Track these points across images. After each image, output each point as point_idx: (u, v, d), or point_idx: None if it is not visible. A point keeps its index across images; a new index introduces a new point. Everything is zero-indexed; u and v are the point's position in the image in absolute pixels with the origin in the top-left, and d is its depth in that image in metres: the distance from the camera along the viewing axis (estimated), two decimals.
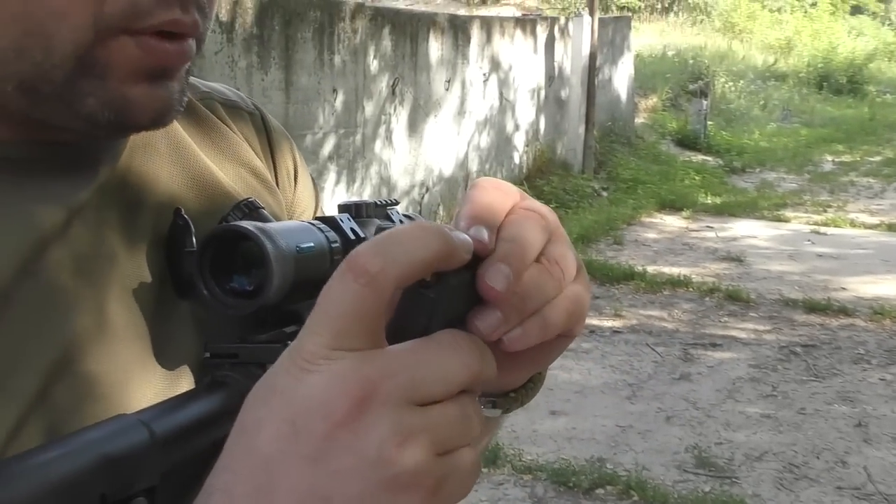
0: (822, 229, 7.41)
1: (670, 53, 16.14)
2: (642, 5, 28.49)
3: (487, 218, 0.42)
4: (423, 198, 6.61)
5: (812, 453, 3.42)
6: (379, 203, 0.58)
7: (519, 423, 3.65)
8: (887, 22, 41.80)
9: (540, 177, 8.18)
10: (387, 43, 6.06)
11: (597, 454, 3.38)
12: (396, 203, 0.60)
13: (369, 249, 0.35)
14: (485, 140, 7.56)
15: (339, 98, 5.60)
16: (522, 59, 8.05)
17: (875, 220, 7.83)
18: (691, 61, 15.17)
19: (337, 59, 5.52)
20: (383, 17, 6.08)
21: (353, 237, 0.52)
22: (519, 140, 8.15)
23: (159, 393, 0.46)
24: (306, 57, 5.18)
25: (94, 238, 0.46)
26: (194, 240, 0.48)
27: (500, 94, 7.74)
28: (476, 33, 7.24)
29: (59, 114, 0.44)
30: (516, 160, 8.12)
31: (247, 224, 0.46)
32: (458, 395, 0.37)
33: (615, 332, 4.80)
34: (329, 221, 0.52)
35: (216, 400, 0.43)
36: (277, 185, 0.63)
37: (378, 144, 6.04)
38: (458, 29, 7.02)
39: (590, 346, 4.58)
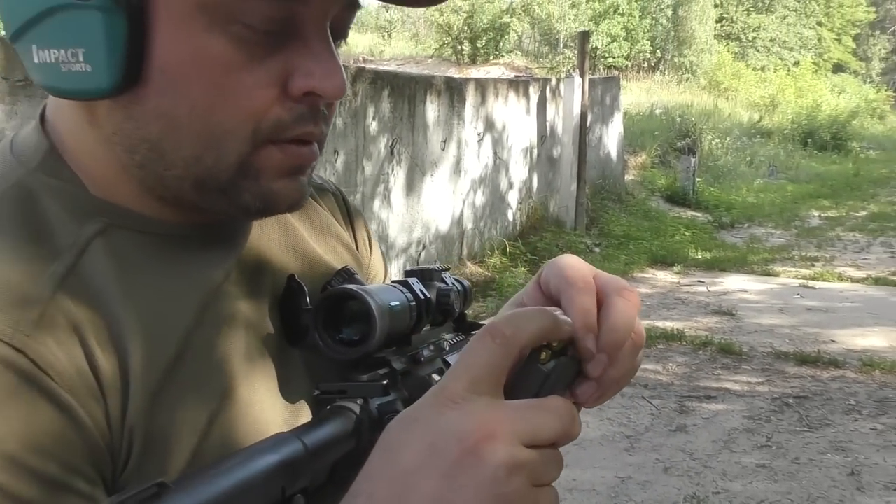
0: (811, 283, 7.57)
1: (658, 112, 16.50)
2: (629, 64, 29.11)
3: (589, 312, 0.54)
4: (419, 255, 6.74)
5: (807, 501, 3.50)
6: (436, 269, 0.72)
7: None
8: (868, 79, 42.77)
9: (533, 233, 8.35)
10: (385, 105, 6.26)
11: None
12: (448, 269, 0.74)
13: (505, 319, 0.49)
14: (480, 198, 7.74)
15: (340, 158, 5.77)
16: (515, 118, 8.28)
17: (862, 273, 7.99)
18: (678, 119, 15.52)
19: (338, 121, 5.70)
20: (382, 81, 6.29)
21: (422, 297, 0.66)
22: (513, 197, 8.34)
23: (287, 421, 0.59)
24: None
25: (236, 296, 0.59)
26: (308, 299, 0.61)
27: (495, 152, 7.94)
28: (471, 95, 7.47)
29: (219, 204, 0.57)
30: (510, 217, 8.30)
31: (354, 287, 0.60)
32: (551, 445, 0.48)
33: None
34: (404, 284, 0.66)
35: (340, 423, 0.55)
36: (359, 252, 0.76)
37: (377, 203, 6.20)
38: (453, 91, 7.24)
39: None
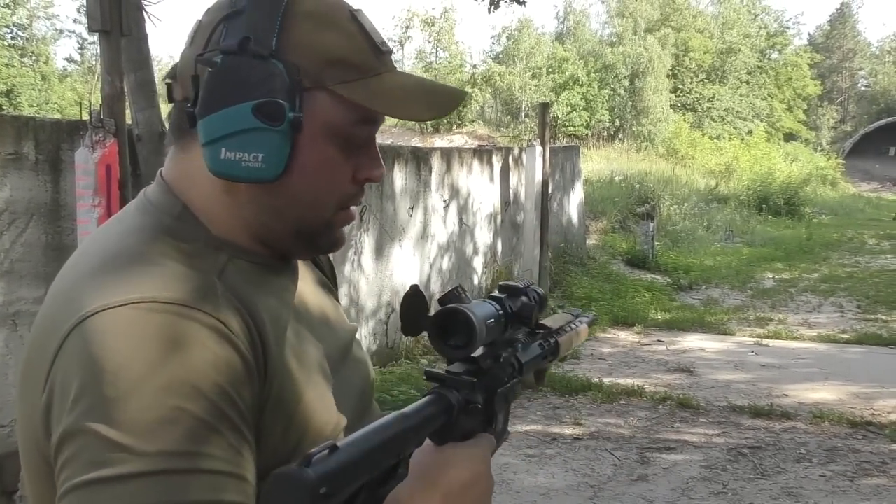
0: (765, 341, 7.88)
1: (618, 178, 17.01)
2: (589, 133, 29.93)
3: None
4: (388, 318, 6.94)
5: None
6: (520, 286, 0.95)
7: None
8: (819, 147, 44.25)
9: None
10: None
11: None
12: (532, 284, 0.98)
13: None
14: (446, 262, 7.99)
15: None
16: (480, 186, 8.60)
17: (813, 332, 8.33)
18: (637, 186, 16.01)
19: None
20: None
21: (510, 311, 0.90)
22: (478, 262, 8.60)
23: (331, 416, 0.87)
24: None
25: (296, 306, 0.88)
26: (429, 308, 0.83)
27: (460, 218, 8.23)
28: (437, 163, 7.78)
29: (302, 246, 0.88)
30: (475, 281, 8.55)
31: (462, 306, 0.81)
32: None
33: (576, 438, 5.11)
34: (497, 300, 0.90)
35: (437, 405, 0.81)
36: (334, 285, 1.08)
37: (347, 267, 6.42)
38: (420, 159, 7.55)
39: (553, 452, 4.88)
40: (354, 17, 0.84)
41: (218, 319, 0.73)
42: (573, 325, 1.20)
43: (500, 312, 0.87)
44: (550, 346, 1.09)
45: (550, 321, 1.14)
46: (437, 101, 0.87)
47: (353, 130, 0.83)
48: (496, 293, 0.92)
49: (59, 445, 0.68)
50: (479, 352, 0.86)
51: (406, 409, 0.75)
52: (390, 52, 0.87)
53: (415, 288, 0.84)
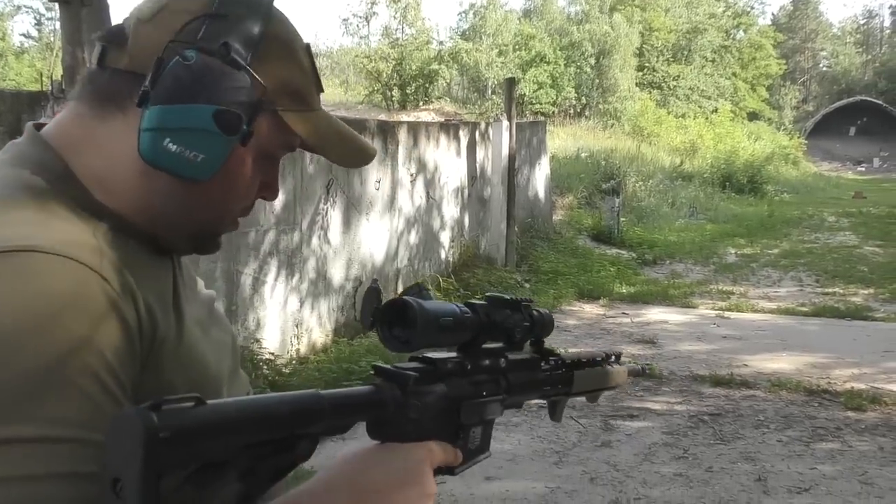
0: (727, 314, 8.03)
1: (584, 155, 17.12)
2: (556, 111, 30.00)
3: None
4: (355, 291, 6.96)
5: None
6: (513, 300, 0.90)
7: (457, 488, 3.96)
8: (782, 127, 44.81)
9: (466, 270, 8.65)
10: None
11: None
12: (532, 301, 0.94)
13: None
14: (413, 236, 8.02)
15: (280, 198, 5.97)
16: (447, 160, 8.62)
17: (773, 305, 8.51)
18: (603, 163, 16.14)
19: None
20: None
21: (483, 317, 0.85)
22: (445, 236, 8.64)
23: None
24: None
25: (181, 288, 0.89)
26: (382, 300, 0.81)
27: (427, 193, 8.25)
28: (403, 137, 7.78)
29: (190, 245, 0.90)
30: (443, 255, 8.59)
31: (411, 298, 0.78)
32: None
33: (541, 407, 5.18)
34: (471, 306, 0.85)
35: (366, 395, 0.76)
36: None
37: (315, 241, 6.42)
38: (386, 133, 7.55)
39: (519, 420, 4.95)
40: (308, 51, 0.89)
41: (102, 276, 0.71)
42: (604, 364, 1.10)
43: (467, 315, 0.82)
44: (558, 375, 1.01)
45: (575, 353, 1.07)
46: (360, 154, 0.94)
47: (276, 153, 0.88)
48: (476, 299, 0.87)
49: None
50: (440, 355, 0.83)
51: (324, 391, 0.70)
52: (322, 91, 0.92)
53: (374, 282, 0.86)
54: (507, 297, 0.88)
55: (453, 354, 0.84)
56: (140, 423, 0.55)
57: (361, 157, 0.94)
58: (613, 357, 1.13)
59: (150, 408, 0.55)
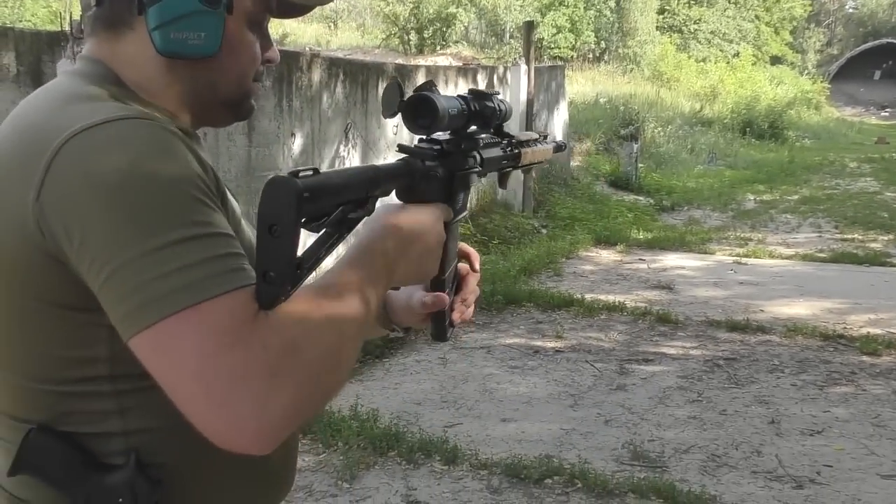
0: (744, 260, 8.02)
1: (602, 101, 16.94)
2: (575, 55, 29.58)
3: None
4: None
5: (731, 446, 3.87)
6: (488, 93, 1.12)
7: (473, 429, 4.04)
8: (805, 71, 44.00)
9: (483, 215, 8.65)
10: (339, 90, 6.50)
11: (544, 452, 3.78)
12: (497, 93, 1.16)
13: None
14: None
15: (297, 141, 6.00)
16: None
17: (791, 251, 8.48)
18: (622, 108, 15.97)
19: (295, 104, 5.93)
20: (336, 67, 6.52)
21: (473, 108, 1.07)
22: None
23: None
24: (267, 104, 5.58)
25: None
26: (404, 96, 1.00)
27: None
28: (421, 81, 7.71)
29: (230, 114, 1.05)
30: None
31: (430, 94, 0.99)
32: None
33: (557, 351, 5.24)
34: (464, 98, 1.07)
35: (401, 167, 1.01)
36: None
37: None
38: (404, 77, 7.50)
39: (535, 363, 5.01)
40: None
41: (182, 139, 0.86)
42: (538, 143, 1.36)
43: (464, 107, 1.05)
44: (512, 152, 1.25)
45: (518, 134, 1.30)
46: None
47: (259, 18, 1.00)
48: (465, 94, 1.09)
49: (100, 229, 0.78)
50: (443, 136, 1.06)
51: (376, 164, 0.96)
52: None
53: (395, 79, 1.03)
54: (487, 92, 1.12)
55: (447, 136, 1.07)
56: (294, 184, 0.77)
57: None
58: (543, 137, 1.41)
59: (293, 175, 0.78)
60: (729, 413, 4.28)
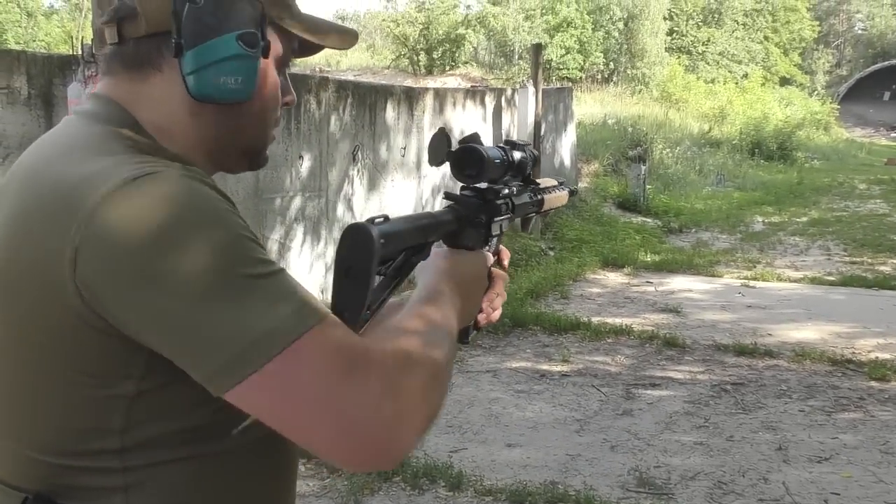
0: (752, 283, 7.99)
1: (611, 122, 16.97)
2: (584, 76, 29.67)
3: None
4: None
5: (738, 473, 3.85)
6: (520, 143, 1.25)
7: (479, 454, 4.02)
8: (814, 92, 44.02)
9: None
10: (348, 113, 6.54)
11: (549, 478, 3.76)
12: (529, 145, 1.29)
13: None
14: (438, 202, 8.02)
15: (305, 164, 6.03)
16: (472, 126, 8.59)
17: (799, 274, 8.45)
18: (630, 129, 15.99)
19: (303, 127, 5.96)
20: (345, 89, 6.56)
21: (511, 158, 1.20)
22: None
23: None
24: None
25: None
26: (453, 145, 1.10)
27: None
28: (429, 103, 7.77)
29: (243, 164, 1.02)
30: None
31: (478, 146, 1.09)
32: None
33: (563, 375, 5.23)
34: (502, 149, 1.19)
35: (450, 213, 1.11)
36: None
37: (340, 207, 6.47)
38: (412, 99, 7.54)
39: (541, 388, 5.00)
40: None
41: (219, 191, 0.86)
42: (557, 190, 1.47)
43: (504, 157, 1.16)
44: (538, 199, 1.35)
45: (540, 181, 1.41)
46: (348, 35, 1.05)
47: (286, 60, 1.01)
48: (501, 144, 1.20)
49: (172, 277, 0.76)
50: (483, 185, 1.15)
51: (430, 212, 1.08)
52: None
53: (442, 129, 1.11)
54: (519, 142, 1.24)
55: (484, 185, 1.16)
56: (373, 231, 0.85)
57: (350, 38, 1.05)
58: (560, 183, 1.50)
59: (370, 222, 0.87)
60: (736, 439, 4.25)
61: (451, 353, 0.93)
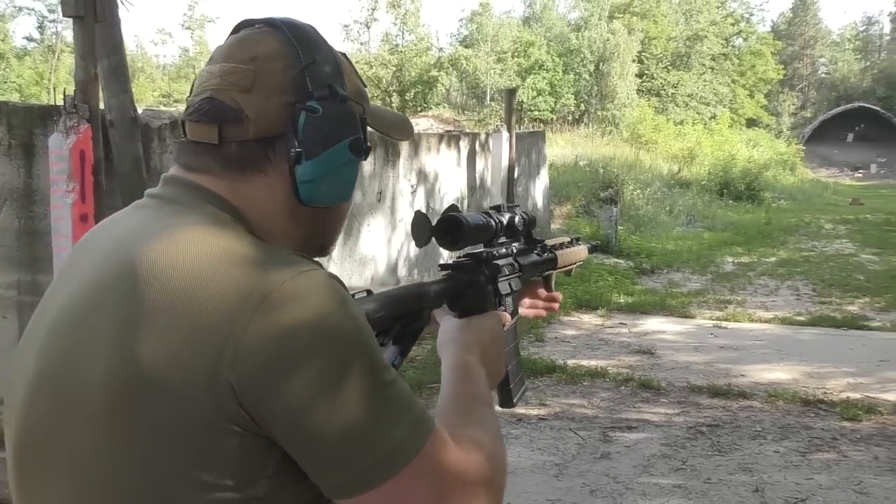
0: (724, 324, 8.10)
1: (582, 163, 17.19)
2: (555, 117, 30.09)
3: None
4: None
5: None
6: (510, 206, 1.31)
7: None
8: (780, 133, 44.96)
9: None
10: None
11: None
12: (517, 206, 1.34)
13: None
14: (414, 247, 8.07)
15: None
16: (447, 171, 8.69)
17: (770, 314, 8.58)
18: (602, 171, 16.21)
19: None
20: None
21: (499, 222, 1.25)
22: None
23: None
24: None
25: None
26: (432, 222, 1.15)
27: (428, 203, 8.32)
28: (405, 148, 7.85)
29: (320, 254, 1.03)
30: None
31: (456, 213, 1.14)
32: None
33: (541, 419, 5.26)
34: (488, 214, 1.24)
35: (446, 280, 1.17)
36: None
37: None
38: (388, 144, 7.62)
39: (518, 432, 5.02)
40: (347, 59, 1.02)
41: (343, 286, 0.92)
42: (572, 245, 1.53)
43: (489, 221, 1.21)
44: (550, 257, 1.42)
45: (550, 241, 1.47)
46: (406, 129, 1.09)
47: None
48: (488, 210, 1.26)
49: (326, 378, 0.79)
50: (478, 249, 1.21)
51: (423, 282, 1.12)
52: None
53: (419, 212, 1.15)
54: (506, 205, 1.29)
55: (480, 248, 1.21)
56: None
57: (409, 128, 1.10)
58: (576, 239, 1.56)
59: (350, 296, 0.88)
60: (713, 481, 4.29)
61: (496, 419, 1.00)
